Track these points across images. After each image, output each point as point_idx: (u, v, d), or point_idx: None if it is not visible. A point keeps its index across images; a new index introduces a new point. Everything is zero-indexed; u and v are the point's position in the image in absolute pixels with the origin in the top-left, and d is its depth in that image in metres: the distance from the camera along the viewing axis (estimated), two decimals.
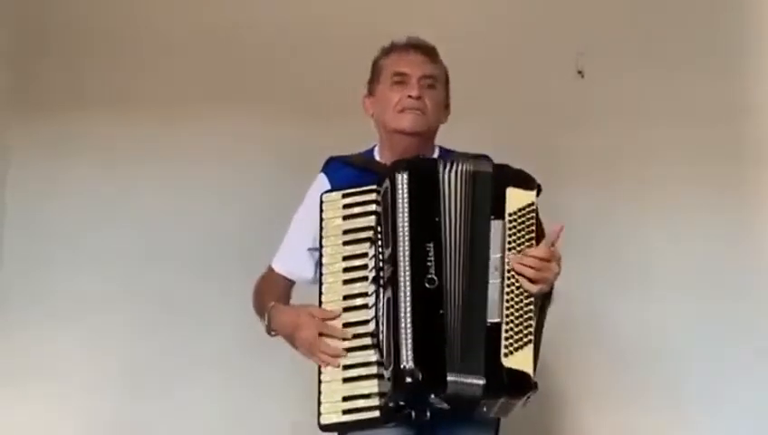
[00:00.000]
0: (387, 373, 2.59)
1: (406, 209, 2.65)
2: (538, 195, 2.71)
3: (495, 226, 2.65)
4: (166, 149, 4.19)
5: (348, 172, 2.94)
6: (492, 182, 2.69)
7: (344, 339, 2.69)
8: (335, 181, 2.92)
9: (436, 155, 2.98)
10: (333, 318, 2.72)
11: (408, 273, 2.60)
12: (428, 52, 2.94)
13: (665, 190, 4.08)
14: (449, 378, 2.53)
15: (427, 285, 2.59)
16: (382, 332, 2.63)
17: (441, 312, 2.58)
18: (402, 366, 2.52)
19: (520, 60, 4.19)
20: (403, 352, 2.53)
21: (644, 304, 4.01)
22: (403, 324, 2.56)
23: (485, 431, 2.77)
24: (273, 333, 2.87)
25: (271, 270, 3.03)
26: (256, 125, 4.18)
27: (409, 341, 2.54)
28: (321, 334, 2.71)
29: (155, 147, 4.19)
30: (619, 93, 4.17)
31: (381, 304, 2.65)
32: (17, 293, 4.14)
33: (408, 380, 2.52)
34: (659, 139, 4.13)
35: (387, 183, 2.71)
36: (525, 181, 2.70)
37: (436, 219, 2.65)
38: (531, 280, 2.59)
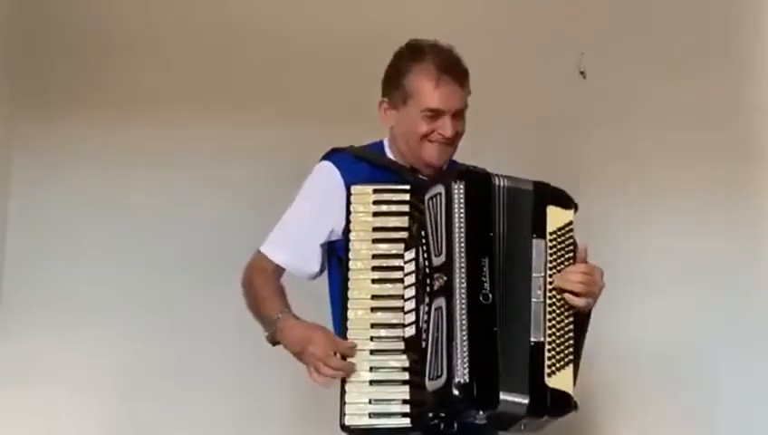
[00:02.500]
0: (431, 384, 2.56)
1: (462, 220, 2.63)
2: (575, 213, 2.77)
3: (537, 244, 2.69)
4: (167, 150, 4.15)
5: (362, 168, 2.84)
6: (533, 200, 2.72)
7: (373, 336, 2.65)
8: (349, 175, 2.80)
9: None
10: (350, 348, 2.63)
11: (464, 286, 2.57)
12: (461, 77, 2.83)
13: (667, 190, 4.20)
14: (501, 397, 2.55)
15: (481, 301, 2.59)
16: (425, 340, 2.59)
17: (495, 329, 2.59)
18: (457, 381, 2.51)
19: (521, 61, 4.21)
20: (458, 366, 2.52)
21: (645, 304, 4.12)
22: (458, 338, 2.54)
23: None
24: (275, 342, 2.73)
25: (264, 259, 2.87)
26: (258, 127, 4.14)
27: (465, 355, 2.53)
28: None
29: (156, 148, 4.15)
30: (621, 94, 4.25)
31: (425, 312, 2.61)
32: (20, 295, 4.08)
33: (459, 394, 2.51)
34: (661, 139, 4.24)
35: (440, 189, 2.66)
36: (564, 200, 2.76)
37: (491, 234, 2.66)
38: (577, 295, 2.65)
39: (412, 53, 2.83)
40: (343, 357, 2.60)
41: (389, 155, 2.92)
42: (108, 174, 4.16)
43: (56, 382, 3.98)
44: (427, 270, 2.62)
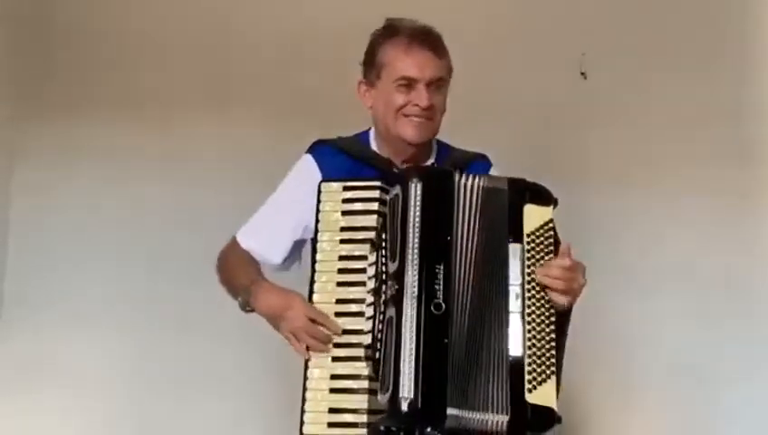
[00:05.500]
0: (381, 397, 2.46)
1: (417, 224, 2.49)
2: (554, 208, 2.56)
3: (514, 249, 2.50)
4: (169, 152, 4.15)
5: (341, 160, 2.76)
6: (508, 200, 2.53)
7: (336, 343, 2.57)
8: (326, 168, 2.74)
9: (434, 150, 2.85)
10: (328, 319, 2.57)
11: (414, 295, 2.44)
12: (436, 46, 2.73)
13: (667, 191, 4.08)
14: (450, 412, 2.42)
15: (433, 311, 2.44)
16: (379, 350, 2.49)
17: (446, 341, 2.44)
18: (401, 396, 2.40)
19: (523, 61, 4.14)
20: (403, 379, 2.40)
21: (645, 304, 4.03)
22: (405, 350, 2.42)
23: None
24: (248, 309, 2.70)
25: (235, 244, 2.87)
26: (258, 127, 4.13)
27: (411, 369, 2.41)
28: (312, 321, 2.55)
29: (158, 150, 4.15)
30: (622, 94, 4.14)
31: (379, 321, 2.50)
32: (22, 297, 4.11)
33: (405, 409, 2.40)
34: (661, 140, 4.12)
35: (397, 190, 2.53)
36: (542, 196, 2.55)
37: (448, 238, 2.50)
38: (560, 292, 2.47)
39: (386, 30, 2.77)
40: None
41: (374, 145, 2.83)
42: (109, 176, 4.18)
43: (58, 384, 4.02)
44: (384, 276, 2.52)
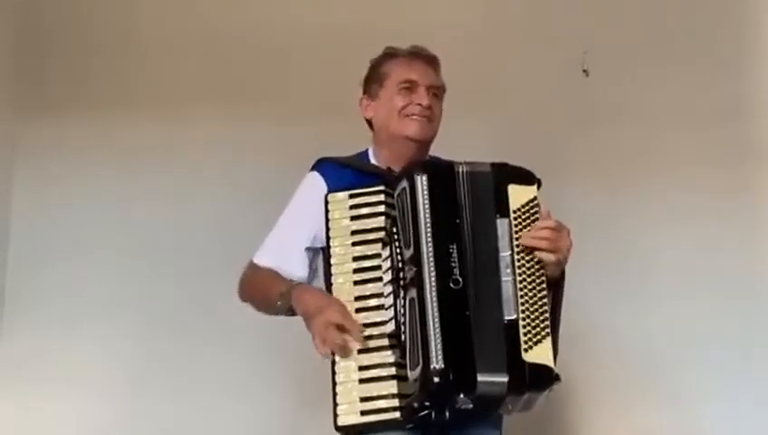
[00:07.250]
0: (412, 374, 2.59)
1: (427, 211, 2.67)
2: (539, 188, 2.77)
3: (501, 224, 2.70)
4: (168, 149, 4.17)
5: (345, 174, 2.93)
6: (493, 181, 2.75)
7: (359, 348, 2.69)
8: (332, 181, 2.90)
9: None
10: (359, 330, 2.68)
11: (433, 274, 2.61)
12: (433, 62, 3.00)
13: (669, 190, 4.15)
14: (479, 378, 2.55)
15: (452, 286, 2.61)
16: (404, 332, 2.63)
17: (467, 313, 2.60)
18: (432, 367, 2.53)
19: (525, 59, 4.23)
20: (432, 352, 2.54)
21: (647, 304, 4.08)
22: (431, 325, 2.57)
23: (492, 429, 2.82)
24: (289, 313, 2.80)
25: (256, 265, 2.96)
26: (261, 127, 4.16)
27: (438, 341, 2.55)
28: (340, 327, 2.66)
29: (158, 148, 4.17)
30: (624, 92, 4.22)
31: (401, 305, 2.65)
32: (23, 294, 4.11)
33: (437, 380, 2.53)
34: (663, 138, 4.20)
35: (404, 184, 2.72)
36: (525, 177, 2.77)
37: (457, 221, 2.69)
38: (547, 250, 2.65)
39: (386, 54, 3.03)
40: None
41: (373, 160, 3.02)
42: (109, 173, 4.19)
43: (59, 380, 4.01)
44: (400, 264, 2.68)
